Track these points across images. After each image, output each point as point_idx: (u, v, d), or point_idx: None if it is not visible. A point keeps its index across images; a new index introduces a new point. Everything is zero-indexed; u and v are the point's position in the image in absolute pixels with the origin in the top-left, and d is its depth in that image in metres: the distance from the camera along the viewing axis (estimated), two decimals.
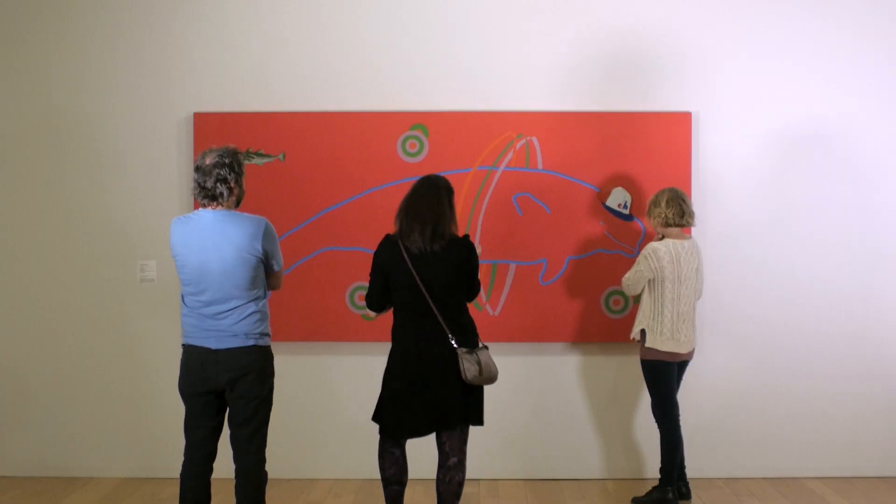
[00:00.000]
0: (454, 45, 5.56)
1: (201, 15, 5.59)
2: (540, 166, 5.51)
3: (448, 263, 4.15)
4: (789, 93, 5.58)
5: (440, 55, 5.56)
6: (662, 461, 5.09)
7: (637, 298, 5.46)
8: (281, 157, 5.52)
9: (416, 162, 5.49)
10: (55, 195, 5.62)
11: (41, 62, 5.61)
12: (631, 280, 5.01)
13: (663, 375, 5.03)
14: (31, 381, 5.67)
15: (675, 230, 5.01)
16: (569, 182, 5.51)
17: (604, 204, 5.51)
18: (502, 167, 5.51)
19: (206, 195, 3.92)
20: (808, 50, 5.58)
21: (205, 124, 5.50)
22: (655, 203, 5.03)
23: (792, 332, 5.61)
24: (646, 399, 5.50)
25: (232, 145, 4.08)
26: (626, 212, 5.51)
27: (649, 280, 4.98)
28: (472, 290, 4.32)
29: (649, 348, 5.00)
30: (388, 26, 5.56)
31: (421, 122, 5.50)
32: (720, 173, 5.56)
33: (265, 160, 5.51)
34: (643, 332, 5.01)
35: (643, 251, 5.01)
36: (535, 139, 5.50)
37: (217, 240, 3.88)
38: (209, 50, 5.58)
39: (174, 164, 5.59)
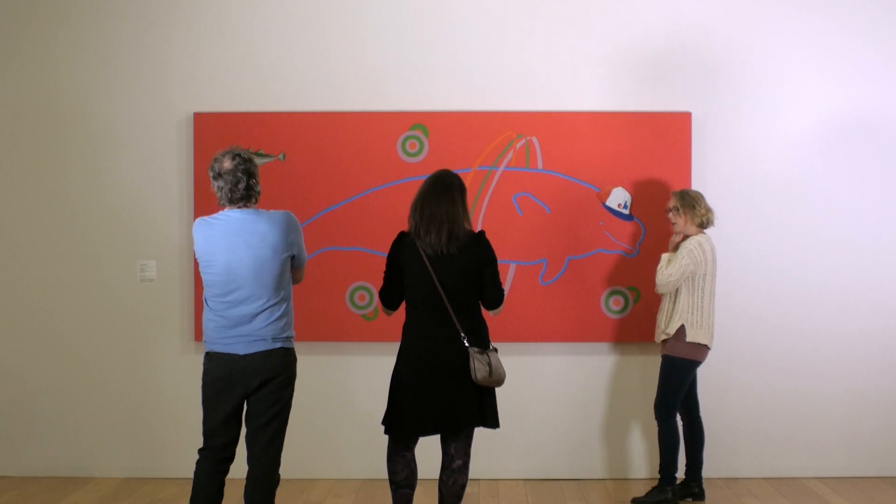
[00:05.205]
0: (454, 46, 5.56)
1: (201, 15, 5.60)
2: (540, 166, 5.51)
3: (465, 262, 4.10)
4: (789, 92, 5.59)
5: (440, 55, 5.56)
6: (662, 461, 5.09)
7: (637, 298, 5.48)
8: (281, 157, 5.52)
9: (416, 162, 5.49)
10: (55, 195, 5.62)
11: (41, 62, 5.61)
12: (675, 276, 4.93)
13: (687, 375, 5.02)
14: (32, 381, 5.67)
15: (697, 229, 5.03)
16: (569, 182, 5.51)
17: (604, 204, 5.51)
18: (502, 167, 5.51)
19: (240, 196, 3.87)
20: (809, 50, 5.58)
21: (205, 124, 5.50)
22: (696, 203, 5.02)
23: (791, 332, 5.61)
24: (646, 399, 5.50)
25: (236, 145, 4.05)
26: (626, 212, 5.51)
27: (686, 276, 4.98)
28: (492, 289, 4.18)
29: (690, 343, 4.96)
30: (388, 26, 5.56)
31: (421, 122, 5.51)
32: (720, 173, 5.56)
33: (265, 160, 5.51)
34: (682, 327, 4.97)
35: (687, 245, 4.96)
36: (535, 139, 5.50)
37: (249, 238, 3.84)
38: (209, 50, 5.59)
39: (174, 164, 5.59)
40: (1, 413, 5.70)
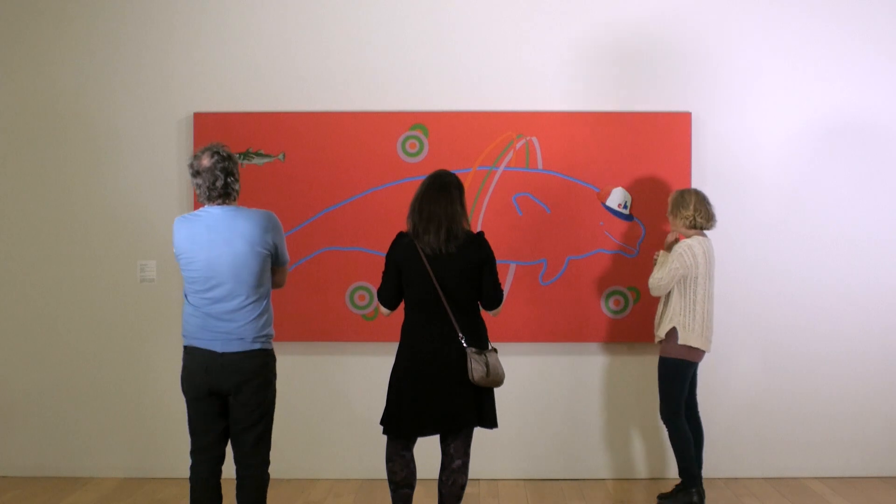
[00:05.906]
0: (454, 46, 5.56)
1: (201, 15, 5.59)
2: (540, 166, 5.52)
3: (464, 262, 4.11)
4: (789, 92, 5.59)
5: (440, 55, 5.56)
6: (679, 463, 5.02)
7: (637, 299, 5.48)
8: (281, 157, 5.52)
9: (416, 162, 5.49)
10: (55, 195, 5.62)
11: (41, 62, 5.61)
12: (665, 280, 4.91)
13: (684, 376, 4.99)
14: (31, 380, 5.67)
15: (690, 231, 5.00)
16: (569, 182, 5.51)
17: (604, 204, 5.52)
18: (502, 167, 5.51)
19: (218, 195, 3.87)
20: (809, 50, 5.58)
21: (205, 124, 5.50)
22: (682, 205, 4.99)
23: (792, 332, 5.61)
24: (646, 399, 5.50)
25: (218, 143, 3.99)
26: (626, 212, 5.51)
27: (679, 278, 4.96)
28: (491, 290, 4.18)
29: (682, 345, 4.93)
30: (389, 26, 5.56)
31: (421, 122, 5.51)
32: (720, 173, 5.56)
33: (265, 160, 5.51)
34: (673, 329, 4.96)
35: (677, 249, 4.93)
36: (535, 139, 5.50)
37: (228, 234, 3.84)
38: (209, 50, 5.59)
39: (174, 164, 5.59)
40: (1, 412, 5.70)
